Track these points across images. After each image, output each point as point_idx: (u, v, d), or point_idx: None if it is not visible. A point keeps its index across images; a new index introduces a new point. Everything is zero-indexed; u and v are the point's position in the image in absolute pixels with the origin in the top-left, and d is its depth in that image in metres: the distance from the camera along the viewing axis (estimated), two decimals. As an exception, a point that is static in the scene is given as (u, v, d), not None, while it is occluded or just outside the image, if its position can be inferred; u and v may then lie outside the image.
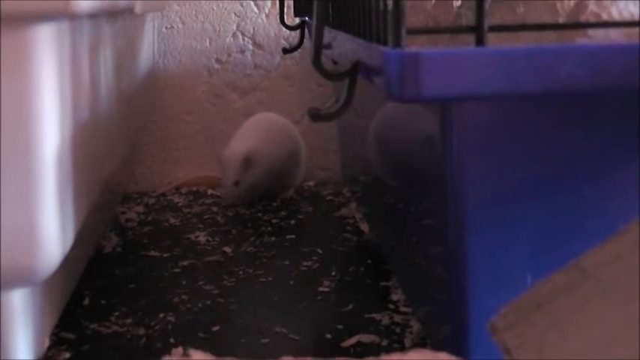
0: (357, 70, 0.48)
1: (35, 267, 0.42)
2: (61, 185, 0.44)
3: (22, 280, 0.43)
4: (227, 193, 0.99)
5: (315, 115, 0.49)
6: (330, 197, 1.05)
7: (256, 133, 1.01)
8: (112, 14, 0.57)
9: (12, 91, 0.40)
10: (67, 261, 0.49)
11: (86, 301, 0.70)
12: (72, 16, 0.40)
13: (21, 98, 0.40)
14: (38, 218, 0.41)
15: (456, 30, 0.44)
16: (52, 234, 0.42)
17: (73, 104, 0.47)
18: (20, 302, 0.49)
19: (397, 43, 0.40)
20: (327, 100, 1.12)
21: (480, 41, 0.40)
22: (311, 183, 1.12)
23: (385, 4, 0.43)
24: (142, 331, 0.63)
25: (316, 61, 0.50)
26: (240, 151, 0.97)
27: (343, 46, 0.59)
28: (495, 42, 0.46)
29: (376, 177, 0.78)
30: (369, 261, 0.79)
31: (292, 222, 0.93)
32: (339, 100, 0.49)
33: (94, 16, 0.46)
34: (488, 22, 0.40)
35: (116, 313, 0.67)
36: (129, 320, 0.66)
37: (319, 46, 0.50)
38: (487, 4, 0.41)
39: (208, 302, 0.69)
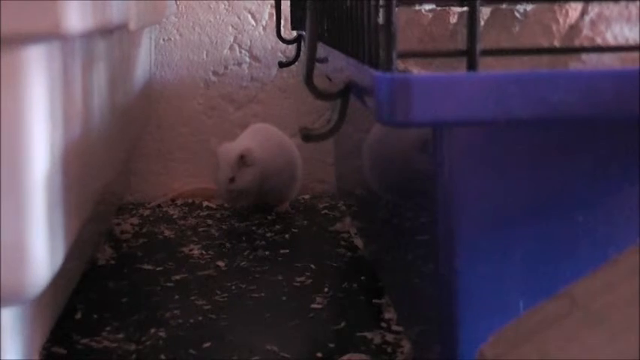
0: (348, 90, 0.48)
1: (23, 287, 0.41)
2: (51, 204, 0.43)
3: (9, 300, 0.43)
4: (222, 191, 0.99)
5: (307, 136, 0.49)
6: (325, 211, 1.05)
7: (254, 137, 1.02)
8: (106, 31, 0.57)
9: (1, 112, 0.40)
10: (60, 275, 0.49)
11: (78, 315, 0.69)
12: (63, 37, 0.39)
13: (11, 119, 0.40)
14: (27, 238, 0.41)
15: (448, 54, 0.44)
16: (41, 254, 0.42)
17: (64, 122, 0.47)
18: (9, 318, 0.49)
19: (388, 67, 0.39)
20: (323, 113, 1.12)
21: (471, 66, 0.39)
22: (307, 196, 1.12)
23: (377, 25, 0.42)
24: (132, 346, 0.63)
25: (308, 80, 0.50)
26: (236, 148, 0.98)
27: (337, 63, 0.59)
28: (489, 61, 0.45)
29: (370, 193, 0.77)
30: (363, 277, 0.78)
31: (287, 236, 0.93)
32: (331, 119, 0.49)
33: (87, 34, 0.46)
34: (481, 45, 0.40)
35: (108, 328, 0.67)
36: (120, 335, 0.65)
37: (312, 66, 0.50)
38: (479, 28, 0.40)
39: (200, 318, 0.69)
